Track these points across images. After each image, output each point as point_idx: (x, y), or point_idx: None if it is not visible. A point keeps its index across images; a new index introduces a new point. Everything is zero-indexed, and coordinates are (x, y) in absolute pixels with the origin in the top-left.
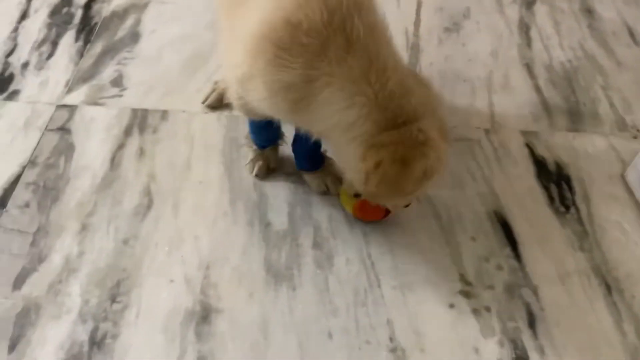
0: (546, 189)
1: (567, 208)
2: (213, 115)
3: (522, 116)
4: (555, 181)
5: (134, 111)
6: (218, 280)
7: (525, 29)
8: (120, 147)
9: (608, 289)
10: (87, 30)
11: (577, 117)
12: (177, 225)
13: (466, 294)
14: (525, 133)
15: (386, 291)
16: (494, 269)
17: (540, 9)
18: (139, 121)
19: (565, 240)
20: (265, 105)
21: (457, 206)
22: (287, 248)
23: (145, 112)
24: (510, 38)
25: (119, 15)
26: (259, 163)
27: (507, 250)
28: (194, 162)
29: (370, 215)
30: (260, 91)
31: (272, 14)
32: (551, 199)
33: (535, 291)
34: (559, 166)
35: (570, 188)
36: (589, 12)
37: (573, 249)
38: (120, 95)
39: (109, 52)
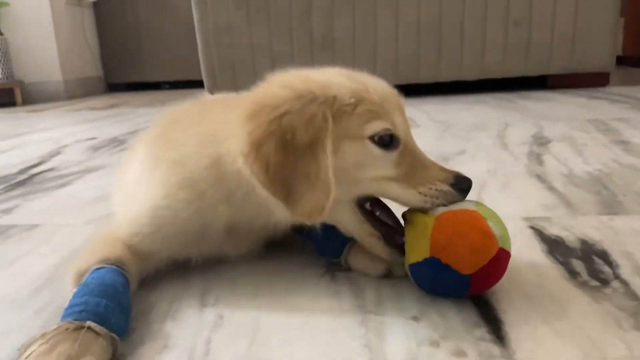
0: (564, 264)
1: (605, 282)
2: None
3: (526, 207)
4: (582, 256)
5: None
6: None
7: (535, 156)
8: None
9: None
10: None
11: (614, 205)
12: None
13: None
14: (529, 219)
15: None
16: (447, 355)
17: (556, 145)
18: None
19: (604, 319)
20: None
21: (397, 284)
22: None
23: None
24: (515, 162)
25: None
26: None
27: (480, 332)
28: None
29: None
30: None
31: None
32: (573, 273)
33: None
34: (585, 243)
35: (609, 262)
36: (622, 142)
37: (622, 329)
38: None
39: None
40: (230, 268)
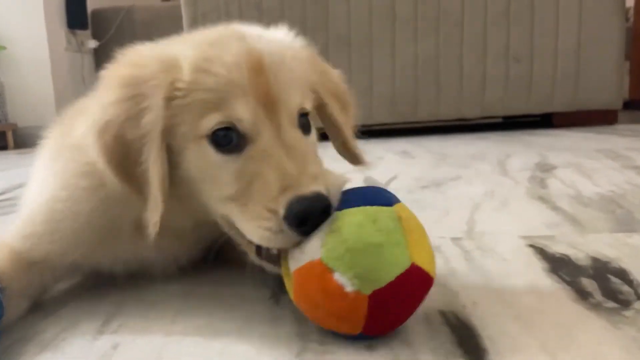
0: (571, 283)
1: (626, 303)
2: None
3: (526, 226)
4: (594, 275)
5: None
6: None
7: (538, 180)
8: None
9: None
10: None
11: (631, 222)
12: None
13: None
14: (529, 237)
15: None
16: None
17: (562, 171)
18: None
19: (626, 346)
20: None
21: None
22: None
23: None
24: (515, 186)
25: None
26: None
27: None
28: None
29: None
30: None
31: None
32: (583, 293)
33: None
34: (598, 261)
35: (630, 281)
36: (635, 167)
37: None
38: None
39: None
40: (155, 287)
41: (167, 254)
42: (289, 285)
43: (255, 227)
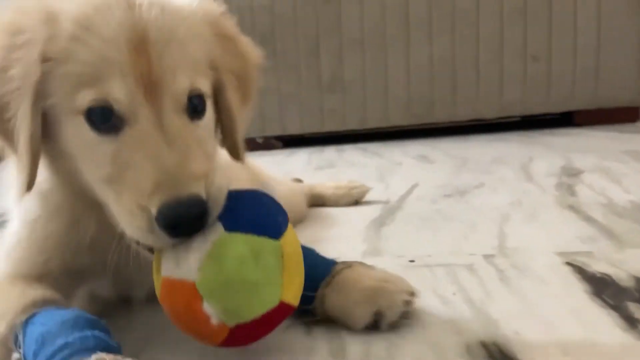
0: (617, 309)
1: None
2: None
3: (560, 241)
4: None
5: None
6: None
7: (566, 187)
8: None
9: None
10: None
11: None
12: None
13: None
14: (565, 254)
15: None
16: None
17: (589, 176)
18: None
19: None
20: None
21: (390, 337)
22: None
23: None
24: (543, 194)
25: None
26: None
27: None
28: None
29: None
30: None
31: None
32: (631, 320)
33: None
34: None
35: None
36: None
37: None
38: None
39: None
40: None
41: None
42: (157, 283)
43: (127, 222)
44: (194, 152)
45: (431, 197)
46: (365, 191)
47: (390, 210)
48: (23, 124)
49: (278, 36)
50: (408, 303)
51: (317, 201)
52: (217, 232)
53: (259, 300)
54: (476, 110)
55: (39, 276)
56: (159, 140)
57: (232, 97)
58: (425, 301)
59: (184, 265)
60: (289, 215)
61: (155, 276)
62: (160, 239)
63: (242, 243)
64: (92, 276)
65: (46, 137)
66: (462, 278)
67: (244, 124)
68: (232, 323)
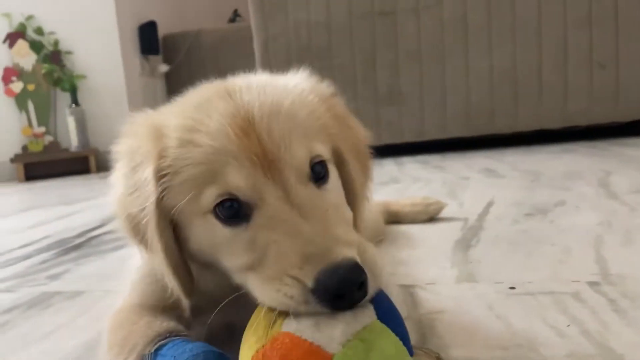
0: None
1: None
2: None
3: None
4: None
5: None
6: None
7: None
8: None
9: None
10: None
11: None
12: None
13: None
14: None
15: None
16: None
17: None
18: None
19: None
20: None
21: None
22: None
23: None
24: (632, 213)
25: None
26: None
27: None
28: None
29: None
30: None
31: None
32: None
33: None
34: None
35: None
36: None
37: None
38: None
39: None
40: None
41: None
42: (259, 334)
43: (273, 291)
44: (332, 218)
45: (512, 216)
46: (441, 208)
47: (472, 231)
48: (154, 242)
49: (334, 51)
50: None
51: (392, 218)
52: (369, 316)
53: None
54: (539, 121)
55: (163, 308)
56: (293, 214)
57: (355, 173)
58: (540, 332)
59: (326, 331)
60: (372, 234)
61: (255, 327)
62: (314, 309)
63: (391, 343)
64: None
65: (180, 241)
66: (572, 308)
67: (364, 198)
68: None
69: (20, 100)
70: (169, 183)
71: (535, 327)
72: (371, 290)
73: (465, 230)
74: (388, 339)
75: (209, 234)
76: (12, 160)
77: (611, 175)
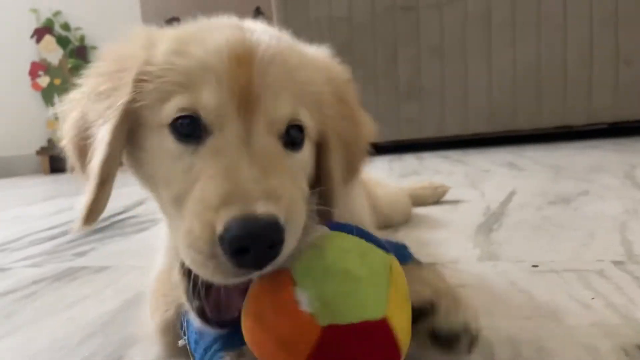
0: None
1: None
2: None
3: None
4: None
5: None
6: None
7: None
8: None
9: None
10: None
11: None
12: None
13: None
14: None
15: None
16: None
17: None
18: None
19: None
20: None
21: (541, 340)
22: None
23: None
24: None
25: None
26: None
27: None
28: None
29: None
30: None
31: None
32: None
33: None
34: None
35: None
36: None
37: None
38: None
39: None
40: None
41: None
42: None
43: (186, 245)
44: (277, 172)
45: (534, 204)
46: (446, 190)
47: (494, 217)
48: (101, 145)
49: (356, 46)
50: None
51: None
52: (320, 231)
53: (358, 299)
54: (562, 118)
55: None
56: (241, 156)
57: (336, 165)
58: (563, 304)
59: (280, 263)
60: (399, 216)
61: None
62: (222, 268)
63: (348, 240)
64: None
65: (137, 163)
66: (596, 283)
67: (341, 195)
68: (325, 321)
69: (47, 94)
70: (143, 88)
71: (558, 300)
72: (288, 247)
73: (488, 216)
74: (344, 239)
75: (159, 150)
76: (38, 153)
77: (637, 168)
